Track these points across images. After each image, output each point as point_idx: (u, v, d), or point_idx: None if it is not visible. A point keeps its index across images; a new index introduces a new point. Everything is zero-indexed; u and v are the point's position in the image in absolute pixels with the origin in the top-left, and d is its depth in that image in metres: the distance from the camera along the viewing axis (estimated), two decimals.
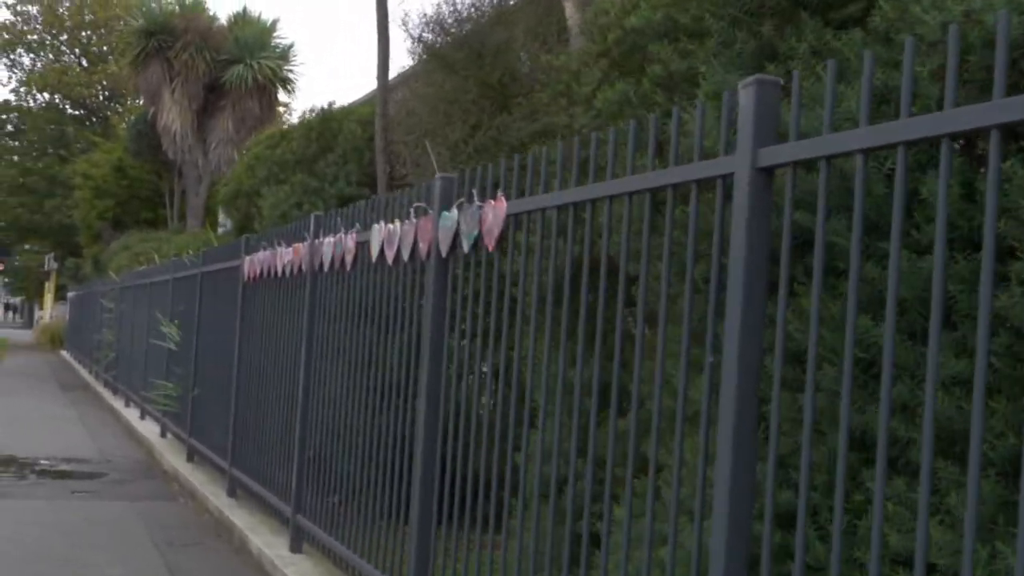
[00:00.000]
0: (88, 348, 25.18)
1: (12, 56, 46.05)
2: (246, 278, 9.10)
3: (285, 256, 7.79)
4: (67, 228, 41.19)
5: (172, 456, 11.77)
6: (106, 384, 20.45)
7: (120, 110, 40.74)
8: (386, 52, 9.40)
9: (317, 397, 7.05)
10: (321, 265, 6.98)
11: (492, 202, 4.44)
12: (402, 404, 5.39)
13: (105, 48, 45.17)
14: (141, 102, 34.93)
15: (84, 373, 25.05)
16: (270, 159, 10.09)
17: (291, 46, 26.69)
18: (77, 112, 46.36)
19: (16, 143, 46.17)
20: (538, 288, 4.07)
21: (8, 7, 45.12)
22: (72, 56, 45.92)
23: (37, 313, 59.03)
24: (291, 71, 26.47)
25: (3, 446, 12.77)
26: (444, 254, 4.91)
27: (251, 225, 10.89)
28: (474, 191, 4.65)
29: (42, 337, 39.71)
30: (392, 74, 9.32)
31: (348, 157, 9.18)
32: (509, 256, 4.32)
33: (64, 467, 11.62)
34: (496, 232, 4.38)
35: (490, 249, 4.43)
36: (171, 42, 26.00)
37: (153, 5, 26.21)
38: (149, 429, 14.12)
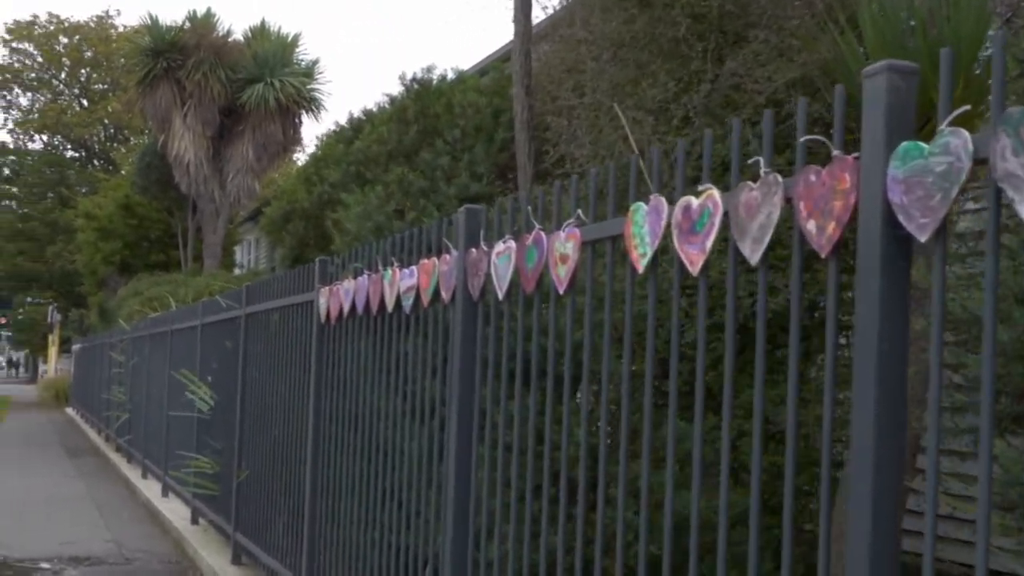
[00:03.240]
0: (95, 406, 22.45)
1: (8, 96, 43.46)
2: (324, 317, 6.41)
3: (403, 280, 5.10)
4: (70, 276, 38.45)
5: (210, 553, 9.04)
6: (118, 449, 17.72)
7: (124, 150, 38.00)
8: None
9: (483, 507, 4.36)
10: (484, 289, 4.30)
11: None
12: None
13: (105, 85, 42.60)
14: (146, 139, 32.36)
15: (92, 434, 22.30)
16: (346, 156, 7.31)
17: (316, 62, 23.90)
18: (77, 153, 43.72)
19: (14, 188, 43.46)
20: None
21: (4, 43, 42.56)
22: (71, 95, 43.34)
23: (41, 367, 56.40)
24: (316, 90, 23.64)
25: None
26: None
27: (307, 253, 8.20)
28: None
29: (46, 393, 36.92)
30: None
31: (468, 141, 6.44)
32: None
33: (71, 573, 8.88)
34: None
35: None
36: (182, 61, 23.12)
37: (161, 22, 23.34)
38: (175, 510, 11.39)
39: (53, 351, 45.48)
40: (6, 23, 42.05)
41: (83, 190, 38.09)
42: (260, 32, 24.01)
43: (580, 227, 3.56)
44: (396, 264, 5.25)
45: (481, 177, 6.08)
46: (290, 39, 23.71)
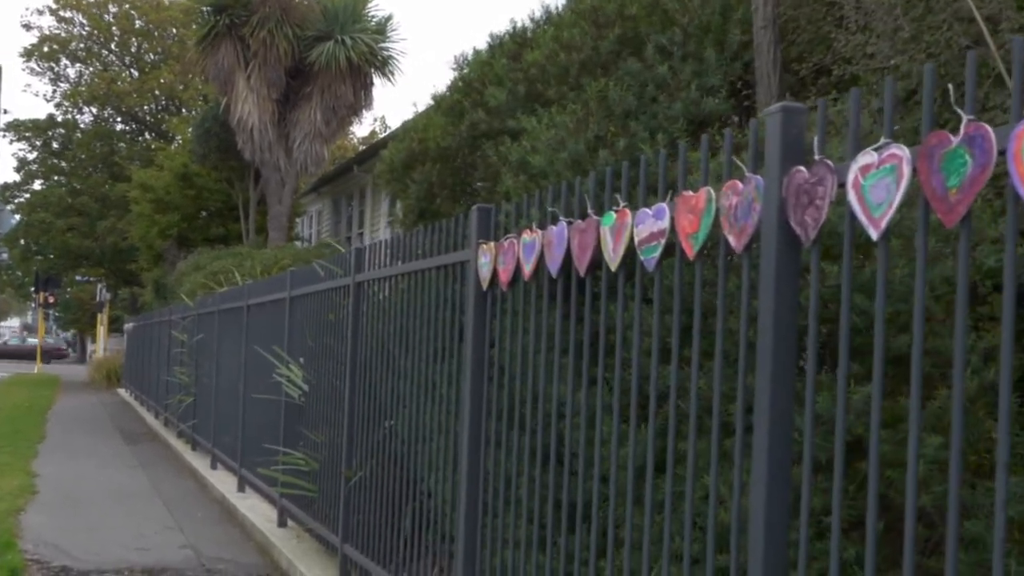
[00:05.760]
0: (152, 388, 21.18)
1: (56, 68, 42.16)
2: (486, 282, 4.96)
3: (643, 224, 3.63)
4: (121, 252, 37.16)
5: (310, 566, 7.67)
6: (181, 435, 16.38)
7: (176, 121, 36.58)
8: None
9: None
10: (823, 228, 2.84)
11: None
12: None
13: (157, 56, 41.26)
14: (201, 109, 30.99)
15: (149, 417, 21.04)
16: (514, 73, 5.67)
17: (389, 19, 22.16)
18: (128, 126, 42.41)
19: (62, 162, 42.24)
20: None
21: (52, 12, 41.20)
22: (121, 65, 42.03)
23: (90, 347, 55.51)
24: (390, 49, 21.99)
25: (54, 547, 8.74)
26: None
27: (437, 207, 6.68)
28: None
29: (97, 374, 35.74)
30: None
31: (691, 46, 4.78)
32: None
33: None
34: None
35: None
36: (246, 17, 21.44)
37: None
38: (256, 509, 10.02)
39: (102, 331, 44.46)
40: None
41: (135, 163, 36.75)
42: None
43: None
44: (623, 204, 3.77)
45: (715, 90, 4.54)
46: None
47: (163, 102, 40.99)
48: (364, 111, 22.43)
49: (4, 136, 41.38)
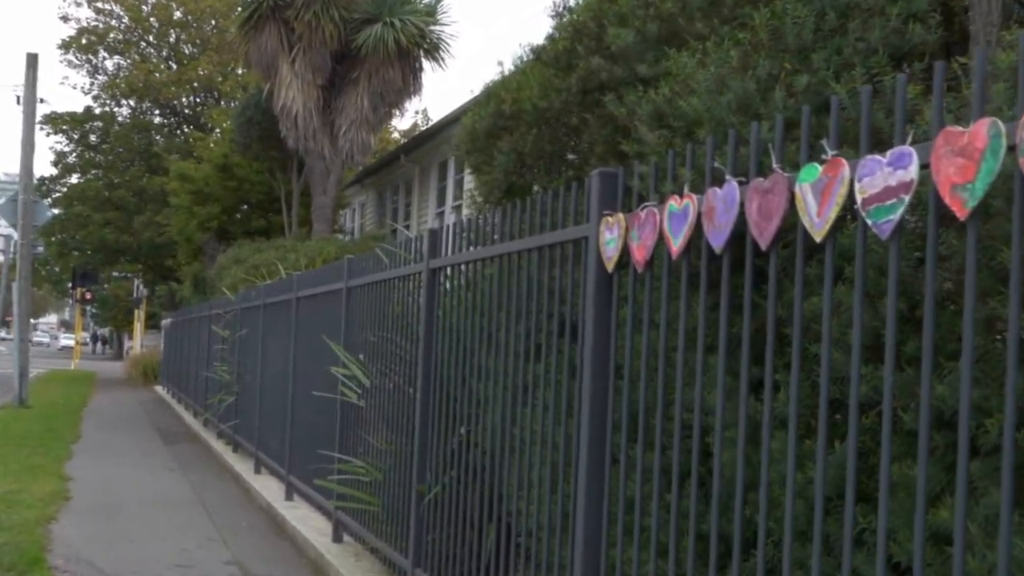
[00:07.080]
0: (190, 386, 20.39)
1: (94, 60, 41.54)
2: (613, 262, 4.03)
3: (871, 175, 2.69)
4: (158, 248, 36.44)
5: None
6: (220, 435, 15.55)
7: (214, 115, 35.81)
8: None
9: None
10: None
11: None
12: None
13: (195, 47, 40.55)
14: (241, 96, 30.18)
15: (187, 416, 20.27)
16: (637, 12, 4.68)
17: (439, 0, 21.32)
18: (167, 119, 41.73)
19: (99, 156, 41.56)
20: None
21: (89, 4, 40.53)
22: (160, 57, 41.36)
23: (127, 344, 55.02)
24: (440, 32, 21.01)
25: (86, 564, 7.92)
26: None
27: (525, 181, 5.75)
28: None
29: (133, 370, 35.06)
30: None
31: None
32: None
33: None
34: None
35: None
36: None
37: None
38: (306, 520, 9.14)
39: (139, 327, 43.89)
40: None
41: (173, 156, 36.06)
42: None
43: None
44: (833, 152, 2.84)
45: (922, 17, 3.60)
46: None
47: (202, 94, 40.30)
48: (413, 97, 21.51)
49: (41, 129, 40.71)
